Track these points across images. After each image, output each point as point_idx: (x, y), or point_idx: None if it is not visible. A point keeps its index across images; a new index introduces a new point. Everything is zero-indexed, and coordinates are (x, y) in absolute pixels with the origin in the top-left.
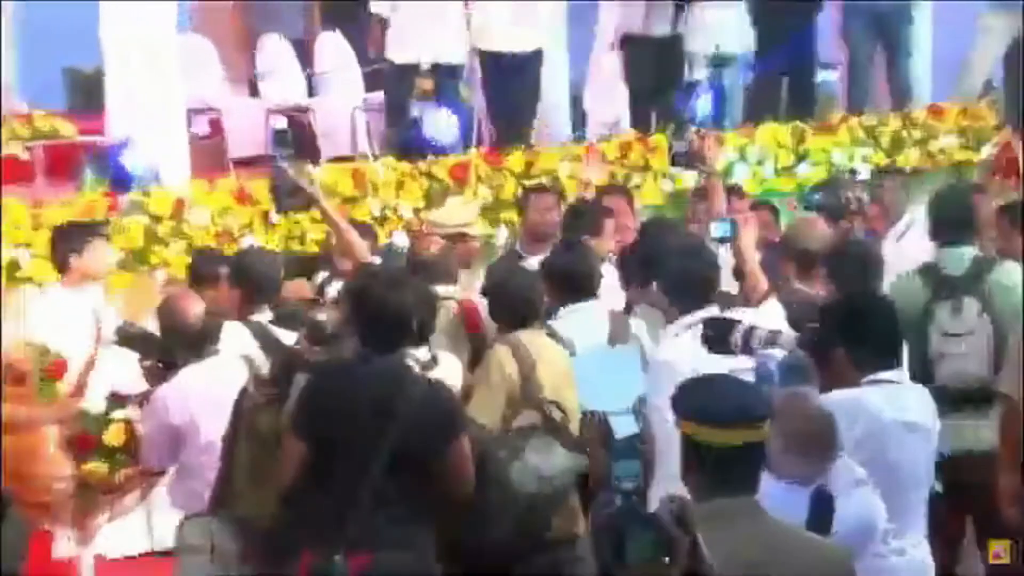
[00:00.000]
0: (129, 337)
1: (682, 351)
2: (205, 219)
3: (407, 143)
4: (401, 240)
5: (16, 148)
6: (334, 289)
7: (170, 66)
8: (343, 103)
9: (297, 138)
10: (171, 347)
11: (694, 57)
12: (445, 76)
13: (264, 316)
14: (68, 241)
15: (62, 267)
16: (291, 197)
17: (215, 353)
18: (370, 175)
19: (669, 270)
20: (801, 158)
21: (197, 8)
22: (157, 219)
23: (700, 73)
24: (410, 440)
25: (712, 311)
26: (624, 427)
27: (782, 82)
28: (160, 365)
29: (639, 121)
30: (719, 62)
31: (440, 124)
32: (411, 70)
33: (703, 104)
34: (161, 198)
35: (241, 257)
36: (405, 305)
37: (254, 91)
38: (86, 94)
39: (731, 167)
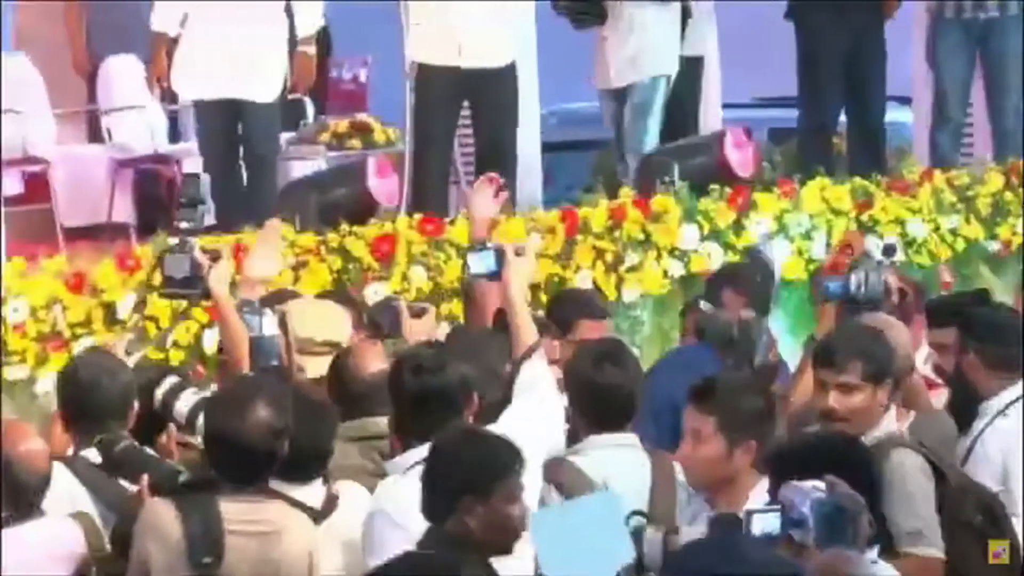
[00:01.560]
0: None
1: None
2: (22, 315)
3: (334, 206)
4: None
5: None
6: (184, 405)
7: None
8: None
9: (156, 200)
10: None
11: None
12: None
13: (92, 453)
14: None
15: None
16: (184, 285)
17: (39, 514)
18: None
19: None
20: (867, 229)
21: (20, 19)
22: None
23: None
24: None
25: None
26: None
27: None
28: None
29: (640, 177)
30: None
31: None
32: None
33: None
34: None
35: (71, 371)
36: (263, 430)
37: (95, 135)
38: None
39: (765, 241)
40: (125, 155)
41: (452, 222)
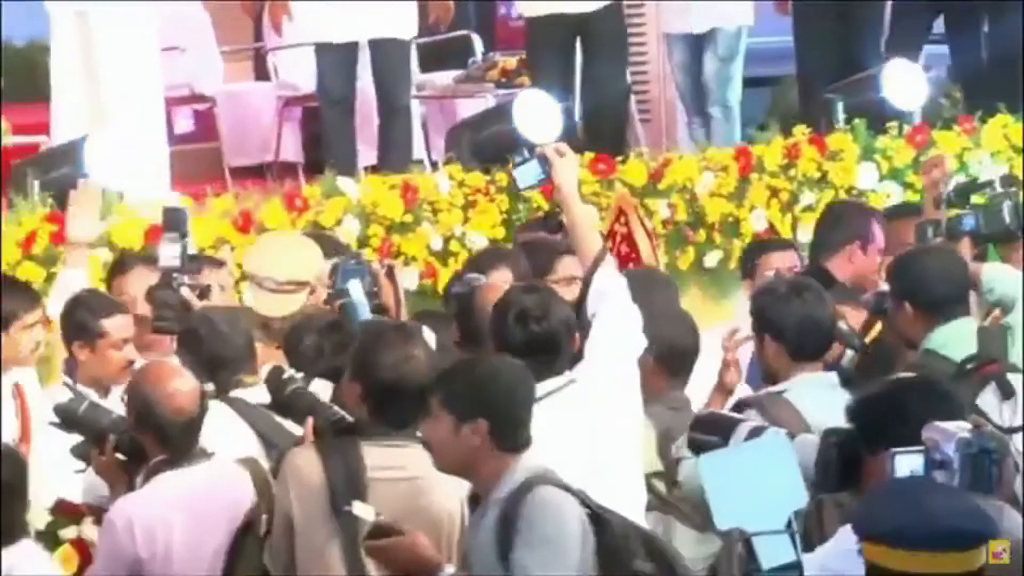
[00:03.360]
0: (76, 419)
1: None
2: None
3: (483, 146)
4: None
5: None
6: None
7: (144, 37)
8: None
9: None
10: (142, 441)
11: None
12: None
13: (253, 393)
14: None
15: None
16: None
17: (205, 457)
18: (427, 191)
19: None
20: None
21: None
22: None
23: None
24: None
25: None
26: (776, 553)
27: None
28: (123, 459)
29: (810, 111)
30: None
31: (537, 117)
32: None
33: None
34: (128, 224)
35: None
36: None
37: (261, 73)
38: (19, 77)
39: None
40: (292, 93)
41: (623, 161)
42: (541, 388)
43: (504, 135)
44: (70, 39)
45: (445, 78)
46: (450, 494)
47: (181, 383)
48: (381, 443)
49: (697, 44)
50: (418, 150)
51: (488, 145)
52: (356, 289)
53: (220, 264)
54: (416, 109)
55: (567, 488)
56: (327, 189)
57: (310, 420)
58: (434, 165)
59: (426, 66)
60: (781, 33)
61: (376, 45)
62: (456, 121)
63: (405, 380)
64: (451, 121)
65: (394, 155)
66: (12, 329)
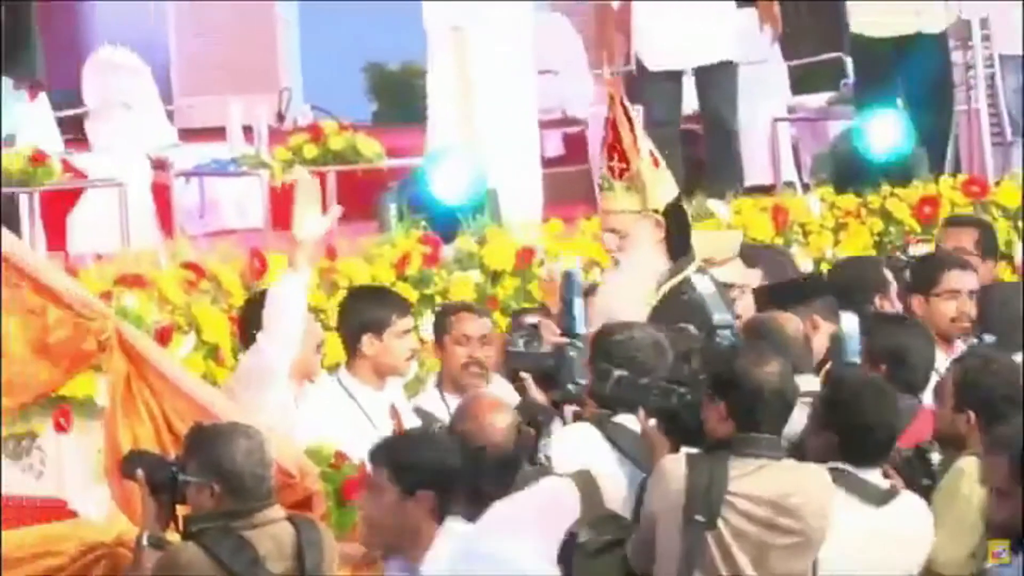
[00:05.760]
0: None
1: None
2: (572, 264)
3: (849, 166)
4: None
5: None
6: None
7: (520, 56)
8: (760, 110)
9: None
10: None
11: None
12: None
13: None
14: (359, 314)
15: (350, 350)
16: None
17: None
18: (797, 213)
19: None
20: None
21: None
22: (496, 276)
23: None
24: None
25: None
26: None
27: None
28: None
29: None
30: None
31: (894, 135)
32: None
33: None
34: (501, 246)
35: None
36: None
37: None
38: (393, 101)
39: None
40: None
41: (998, 183)
42: None
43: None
44: (446, 56)
45: (818, 100)
46: (818, 512)
47: (499, 418)
48: (751, 456)
49: None
50: (788, 171)
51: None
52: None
53: None
54: (787, 130)
55: None
56: (698, 211)
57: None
58: (805, 187)
59: (798, 88)
60: None
61: (703, 68)
62: (827, 142)
63: (771, 393)
64: (822, 143)
65: (723, 178)
66: (386, 336)
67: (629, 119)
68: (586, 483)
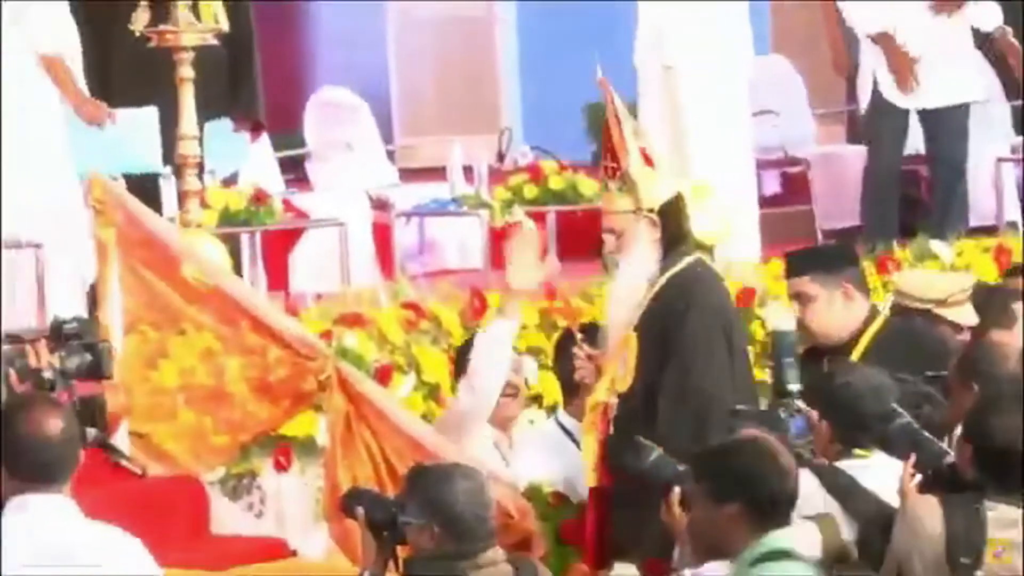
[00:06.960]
0: (643, 469)
1: None
2: (785, 321)
3: None
4: None
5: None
6: None
7: (733, 95)
8: (984, 150)
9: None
10: None
11: None
12: None
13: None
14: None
15: (567, 388)
16: None
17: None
18: (1021, 254)
19: None
20: None
21: (777, 21)
22: None
23: None
24: None
25: None
26: None
27: None
28: None
29: None
30: None
31: None
32: None
33: None
34: None
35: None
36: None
37: (853, 135)
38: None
39: None
40: None
41: None
42: None
43: None
44: (657, 94)
45: None
46: None
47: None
48: (998, 499)
49: None
50: (1012, 211)
51: None
52: None
53: None
54: (1011, 171)
55: None
56: (919, 251)
57: (912, 458)
58: None
59: (1021, 127)
60: None
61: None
62: None
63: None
64: None
65: (950, 219)
66: None
67: (618, 118)
68: (827, 526)
